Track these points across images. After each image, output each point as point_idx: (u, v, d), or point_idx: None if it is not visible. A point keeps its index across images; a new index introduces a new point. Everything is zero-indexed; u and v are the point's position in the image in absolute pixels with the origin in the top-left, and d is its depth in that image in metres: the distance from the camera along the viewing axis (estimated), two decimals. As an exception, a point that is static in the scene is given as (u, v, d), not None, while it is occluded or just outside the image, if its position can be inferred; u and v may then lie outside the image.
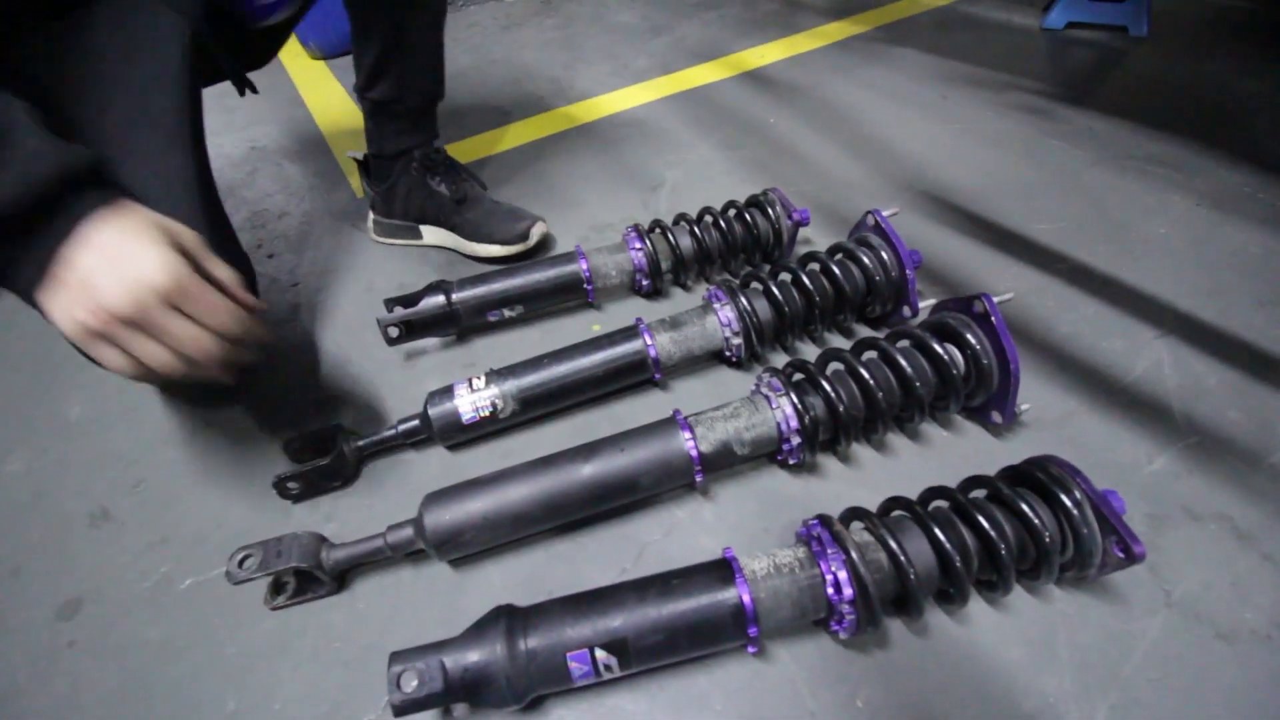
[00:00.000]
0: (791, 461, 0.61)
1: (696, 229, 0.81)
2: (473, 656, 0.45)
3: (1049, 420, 0.67)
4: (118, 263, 0.43)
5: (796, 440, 0.59)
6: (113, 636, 0.57)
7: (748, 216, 0.82)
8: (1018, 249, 0.89)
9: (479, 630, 0.46)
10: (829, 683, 0.50)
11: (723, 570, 0.48)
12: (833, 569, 0.47)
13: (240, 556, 0.55)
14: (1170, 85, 1.27)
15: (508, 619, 0.46)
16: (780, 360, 0.74)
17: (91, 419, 0.76)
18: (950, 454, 0.65)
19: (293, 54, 1.70)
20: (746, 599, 0.46)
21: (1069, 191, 0.99)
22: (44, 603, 0.59)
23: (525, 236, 0.89)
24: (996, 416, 0.63)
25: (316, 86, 1.54)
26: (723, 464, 0.60)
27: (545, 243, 0.94)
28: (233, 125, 1.37)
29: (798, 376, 0.62)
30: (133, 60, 0.56)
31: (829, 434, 0.61)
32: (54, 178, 0.43)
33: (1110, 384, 0.70)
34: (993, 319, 0.59)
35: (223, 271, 0.49)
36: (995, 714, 0.48)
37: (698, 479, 0.58)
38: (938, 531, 0.48)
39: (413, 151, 0.91)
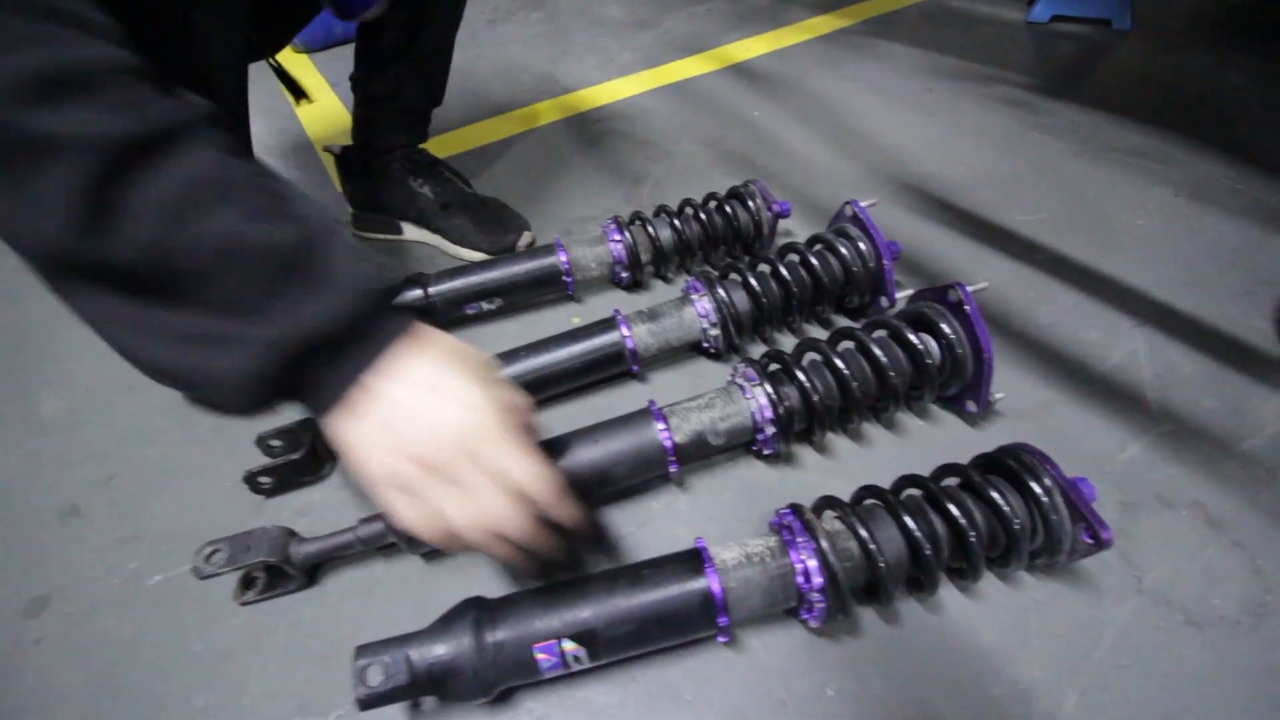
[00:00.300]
0: (766, 452, 0.61)
1: (676, 221, 0.81)
2: (439, 650, 0.44)
3: (1025, 409, 0.67)
4: (431, 402, 0.39)
5: (771, 430, 0.58)
6: (80, 634, 0.56)
7: (728, 208, 0.81)
8: (998, 240, 0.89)
9: (446, 623, 0.46)
10: (800, 672, 0.50)
11: (693, 560, 0.47)
12: (802, 558, 0.47)
13: (208, 551, 0.54)
14: (1152, 78, 1.28)
15: (475, 611, 0.46)
16: (760, 352, 0.74)
17: (64, 415, 0.75)
18: (926, 443, 0.65)
19: (275, 48, 1.68)
20: (716, 588, 0.46)
21: (1050, 183, 0.99)
22: (11, 600, 0.59)
23: (511, 249, 0.88)
24: (971, 405, 0.63)
25: (300, 81, 1.52)
26: (698, 455, 0.59)
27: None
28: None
29: (773, 367, 0.62)
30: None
31: (804, 424, 0.60)
32: (369, 298, 0.39)
33: (1086, 373, 0.70)
34: (966, 308, 0.59)
35: (522, 399, 0.46)
36: (964, 701, 0.48)
37: (672, 470, 0.58)
38: (907, 519, 0.47)
39: (395, 151, 0.90)
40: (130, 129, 0.32)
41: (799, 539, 0.47)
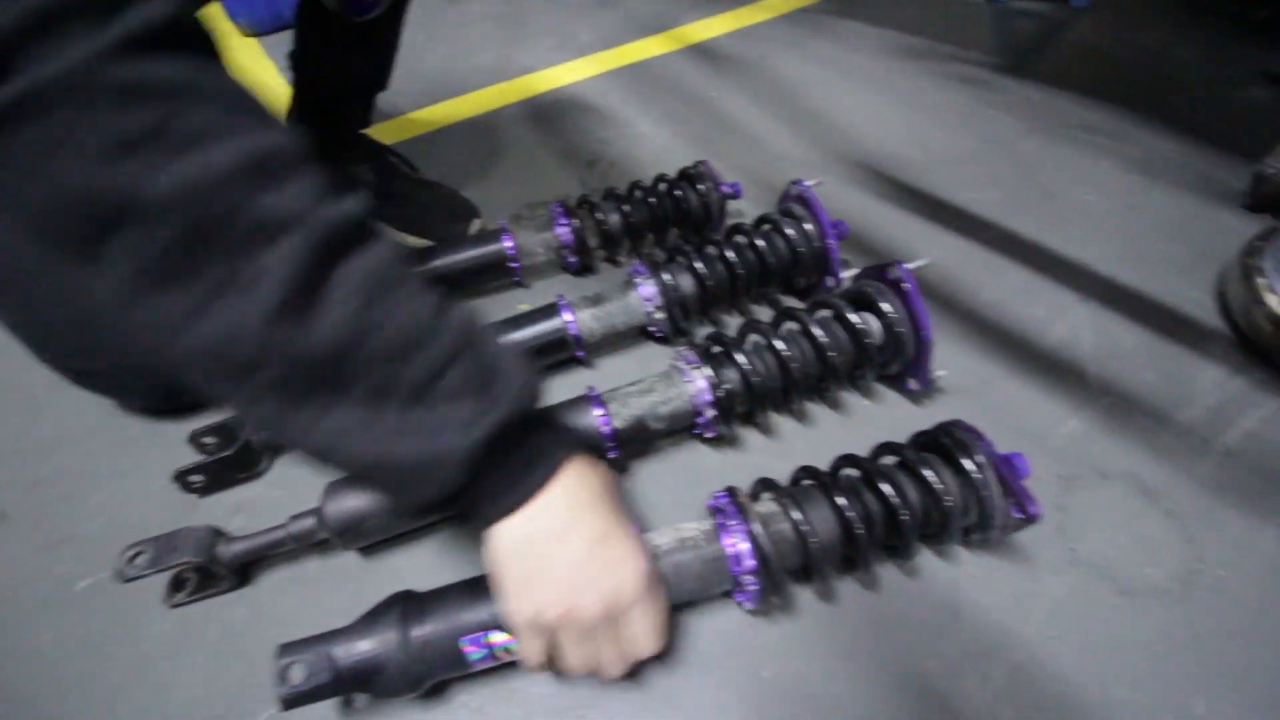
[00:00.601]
0: (708, 435, 0.60)
1: (625, 205, 0.79)
2: (364, 646, 0.43)
3: (969, 386, 0.67)
4: (598, 560, 0.40)
5: (711, 413, 0.58)
6: (4, 641, 0.54)
7: (677, 191, 0.80)
8: (949, 218, 0.89)
9: (372, 619, 0.45)
10: (736, 654, 0.50)
11: None
12: (735, 541, 0.46)
13: (131, 553, 0.52)
14: (1107, 55, 1.28)
15: (402, 606, 0.45)
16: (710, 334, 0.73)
17: (-12, 417, 0.72)
18: (869, 421, 0.65)
19: (222, 31, 1.62)
20: None
21: (1003, 161, 0.99)
22: (-70, 609, 0.57)
23: (462, 237, 0.86)
24: (913, 383, 0.63)
25: (246, 66, 1.47)
26: (639, 440, 0.58)
27: (483, 234, 0.91)
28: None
29: (715, 349, 0.61)
30: None
31: (746, 406, 0.60)
32: (539, 388, 0.40)
33: (1030, 349, 0.71)
34: (905, 286, 0.58)
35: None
36: (896, 676, 0.48)
37: (612, 456, 0.57)
38: (840, 499, 0.47)
39: (336, 136, 0.87)
40: (342, 211, 0.33)
41: (732, 522, 0.47)
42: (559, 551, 0.39)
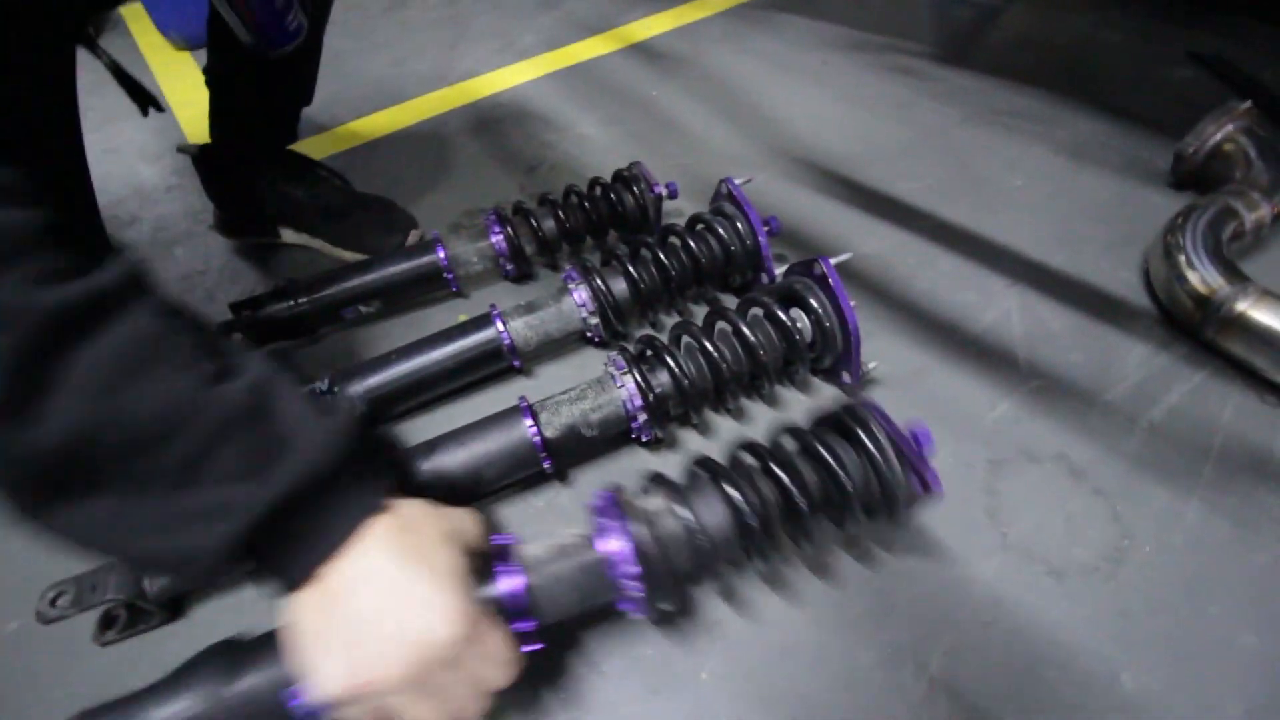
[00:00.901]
0: (644, 439, 0.60)
1: (561, 210, 0.79)
2: (176, 708, 0.40)
3: (901, 375, 0.68)
4: (400, 616, 0.35)
5: (643, 418, 0.58)
6: (-74, 693, 0.53)
7: (612, 193, 0.80)
8: (884, 209, 0.90)
9: (186, 673, 0.42)
10: (676, 658, 0.50)
11: (497, 558, 0.43)
12: (615, 543, 0.43)
13: (51, 594, 0.51)
14: (1038, 41, 1.31)
15: (219, 657, 0.42)
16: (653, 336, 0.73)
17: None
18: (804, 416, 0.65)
19: (154, 46, 1.58)
20: (516, 590, 0.41)
21: (937, 150, 1.01)
22: None
23: (400, 250, 0.85)
24: (846, 377, 0.63)
25: (179, 79, 1.43)
26: (573, 448, 0.58)
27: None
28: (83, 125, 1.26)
29: (647, 353, 0.61)
30: None
31: (680, 408, 0.60)
32: (336, 454, 0.35)
33: (961, 335, 0.72)
34: (830, 280, 0.59)
35: (479, 528, 0.43)
36: (831, 670, 0.49)
37: (546, 466, 0.57)
38: (730, 490, 0.45)
39: (262, 153, 0.84)
40: (58, 299, 0.30)
41: (612, 523, 0.44)
42: (342, 619, 0.35)
